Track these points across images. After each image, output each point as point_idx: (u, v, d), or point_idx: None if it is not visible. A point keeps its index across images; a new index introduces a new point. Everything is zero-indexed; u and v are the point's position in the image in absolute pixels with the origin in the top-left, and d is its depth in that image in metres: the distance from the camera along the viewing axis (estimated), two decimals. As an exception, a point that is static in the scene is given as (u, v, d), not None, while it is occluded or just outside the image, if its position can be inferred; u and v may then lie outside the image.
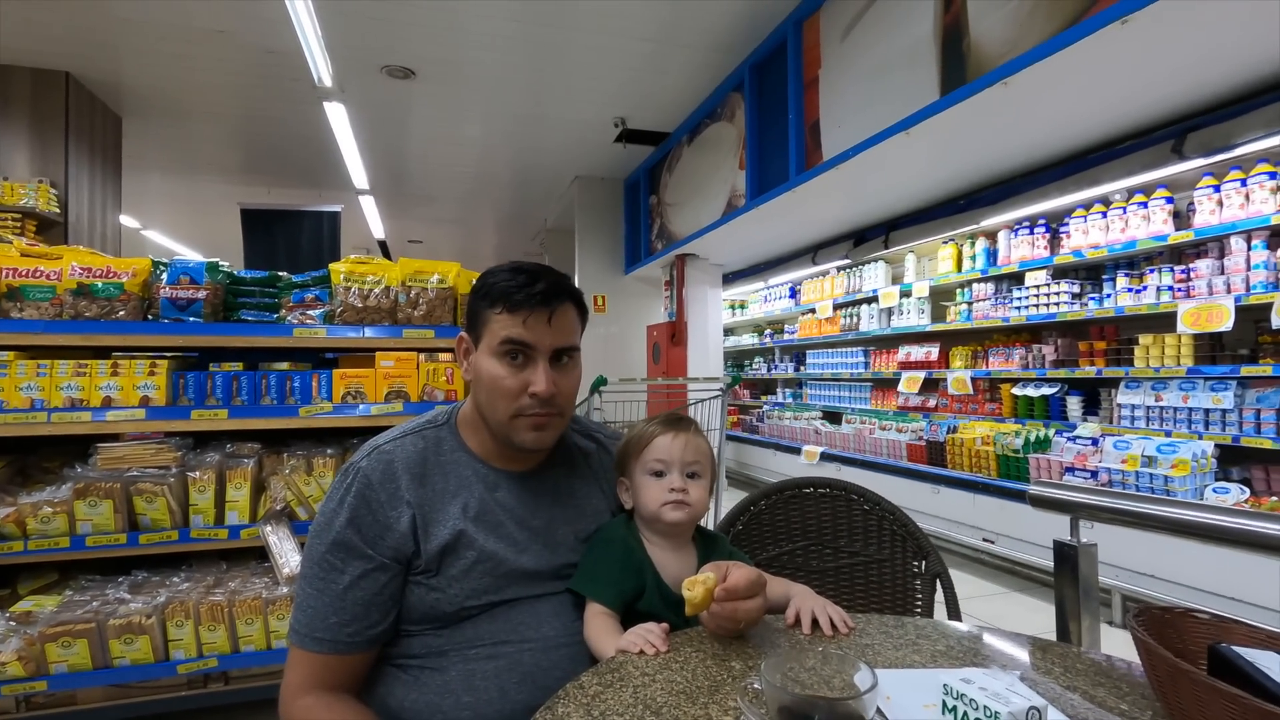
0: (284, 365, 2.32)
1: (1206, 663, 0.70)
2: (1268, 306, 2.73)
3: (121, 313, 2.11)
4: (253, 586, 2.11)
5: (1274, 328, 2.75)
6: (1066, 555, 1.16)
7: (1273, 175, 2.84)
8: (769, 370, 7.04)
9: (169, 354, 2.28)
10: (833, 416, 5.78)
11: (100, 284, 2.11)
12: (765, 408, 6.69)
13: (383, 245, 9.87)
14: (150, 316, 2.19)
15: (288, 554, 2.08)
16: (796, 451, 5.46)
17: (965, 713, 0.46)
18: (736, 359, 8.00)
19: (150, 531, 2.05)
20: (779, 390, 6.97)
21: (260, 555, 2.23)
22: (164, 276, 2.20)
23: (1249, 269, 2.90)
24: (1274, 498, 2.87)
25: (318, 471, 2.24)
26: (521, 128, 5.61)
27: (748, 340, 7.62)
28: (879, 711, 0.68)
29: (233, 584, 2.11)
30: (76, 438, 2.09)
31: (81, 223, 4.54)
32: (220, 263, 2.29)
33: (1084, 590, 1.14)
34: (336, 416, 2.23)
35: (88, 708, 1.94)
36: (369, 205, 7.83)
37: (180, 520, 2.10)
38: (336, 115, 5.09)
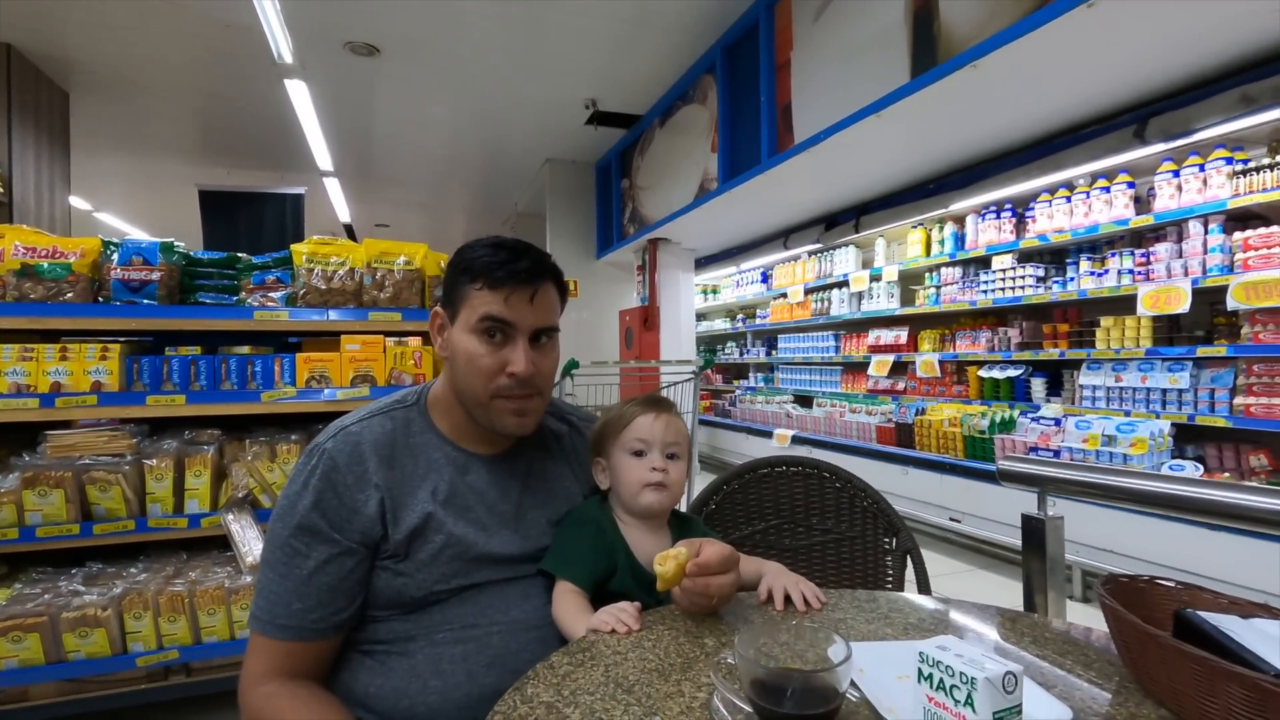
0: (245, 349, 2.26)
1: (1172, 628, 0.71)
2: (1223, 289, 2.81)
3: (70, 295, 2.02)
4: (215, 576, 2.06)
5: (1228, 310, 2.83)
6: (1034, 528, 1.18)
7: (1229, 160, 2.91)
8: (741, 355, 7.07)
9: (122, 338, 2.19)
10: (804, 400, 5.83)
11: (46, 264, 2.01)
12: (738, 392, 6.73)
13: (349, 229, 9.65)
14: (101, 299, 2.10)
15: (251, 542, 2.02)
16: (768, 435, 5.50)
17: (941, 679, 0.45)
18: (709, 343, 8.02)
19: (105, 521, 1.98)
20: (751, 374, 7.01)
21: (222, 544, 2.17)
22: (115, 257, 2.11)
23: (1205, 252, 2.97)
24: (1226, 474, 2.97)
25: (281, 458, 2.18)
26: (491, 109, 5.50)
27: (720, 325, 7.65)
28: (853, 683, 0.67)
29: (193, 574, 2.05)
30: (24, 425, 2.00)
31: (28, 203, 4.34)
32: (175, 243, 2.20)
33: (1051, 563, 1.16)
34: (301, 401, 2.18)
35: (41, 703, 1.87)
36: (334, 188, 7.64)
37: (137, 509, 2.03)
38: (298, 94, 4.93)
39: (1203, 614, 0.69)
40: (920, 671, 0.47)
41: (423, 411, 1.05)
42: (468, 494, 1.00)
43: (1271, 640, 0.64)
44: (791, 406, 5.71)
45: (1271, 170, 2.75)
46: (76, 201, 7.50)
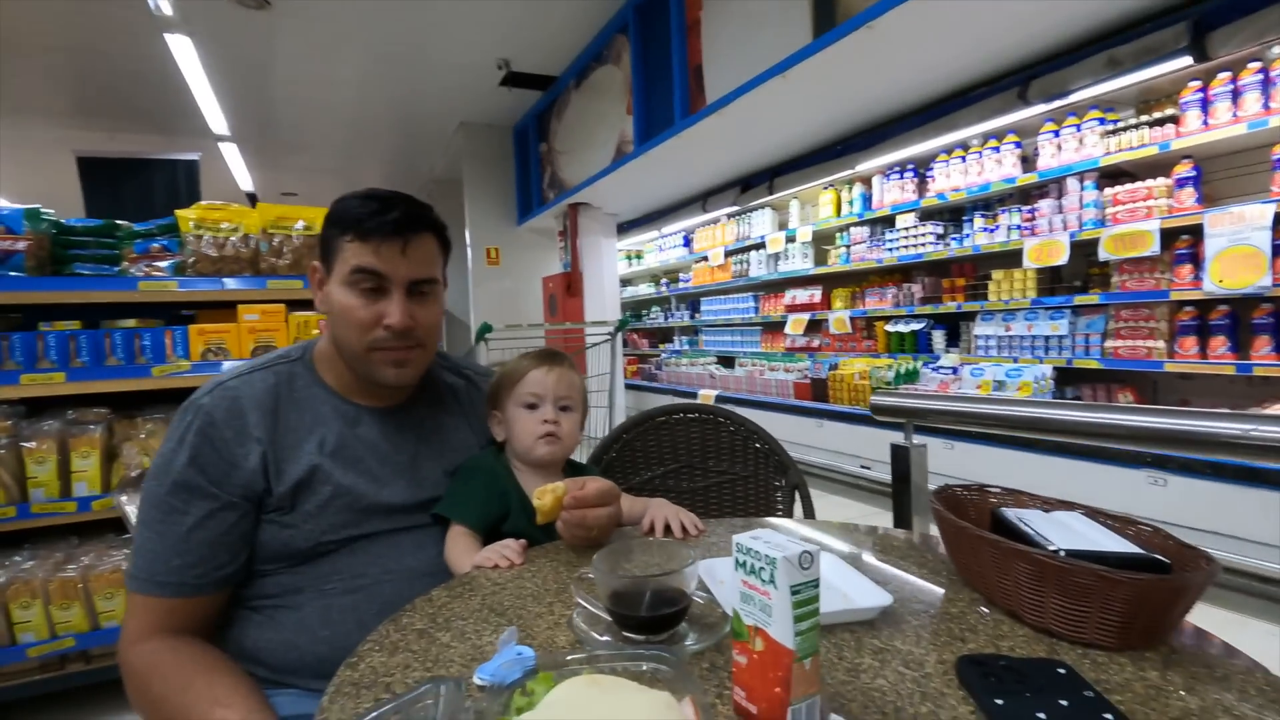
0: (131, 322, 2.13)
1: (990, 524, 0.80)
2: (1096, 241, 3.05)
3: (-81, 267, 1.85)
4: (110, 559, 1.97)
5: (1100, 260, 3.08)
6: (900, 455, 1.28)
7: (1102, 121, 3.13)
8: (666, 319, 7.16)
9: (-13, 313, 2.04)
10: (726, 361, 5.99)
11: (-112, 235, 1.84)
12: (663, 355, 6.83)
13: (252, 198, 9.10)
14: (-42, 271, 1.94)
15: (148, 521, 1.95)
16: (693, 396, 5.63)
17: (751, 563, 0.51)
18: (635, 309, 8.07)
19: (-20, 509, 1.86)
20: (675, 338, 7.11)
21: (117, 527, 2.08)
22: (-29, 226, 1.95)
23: (1081, 207, 3.20)
24: (1098, 411, 3.25)
25: (177, 433, 2.09)
26: (397, 70, 5.27)
27: (645, 290, 7.70)
28: (703, 586, 0.73)
29: (86, 559, 1.96)
30: (-124, 410, 1.85)
31: None
32: (42, 209, 2.04)
33: (915, 487, 1.27)
34: (196, 375, 2.09)
35: (-80, 701, 1.77)
36: (232, 154, 7.17)
37: (17, 495, 1.91)
38: (182, 49, 4.58)
39: (1012, 510, 0.78)
40: (737, 560, 0.53)
41: (309, 366, 1.04)
42: (358, 445, 1.00)
43: (1061, 527, 0.73)
44: (715, 368, 5.85)
45: (1138, 129, 2.97)
46: (-67, 171, 6.78)
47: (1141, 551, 0.67)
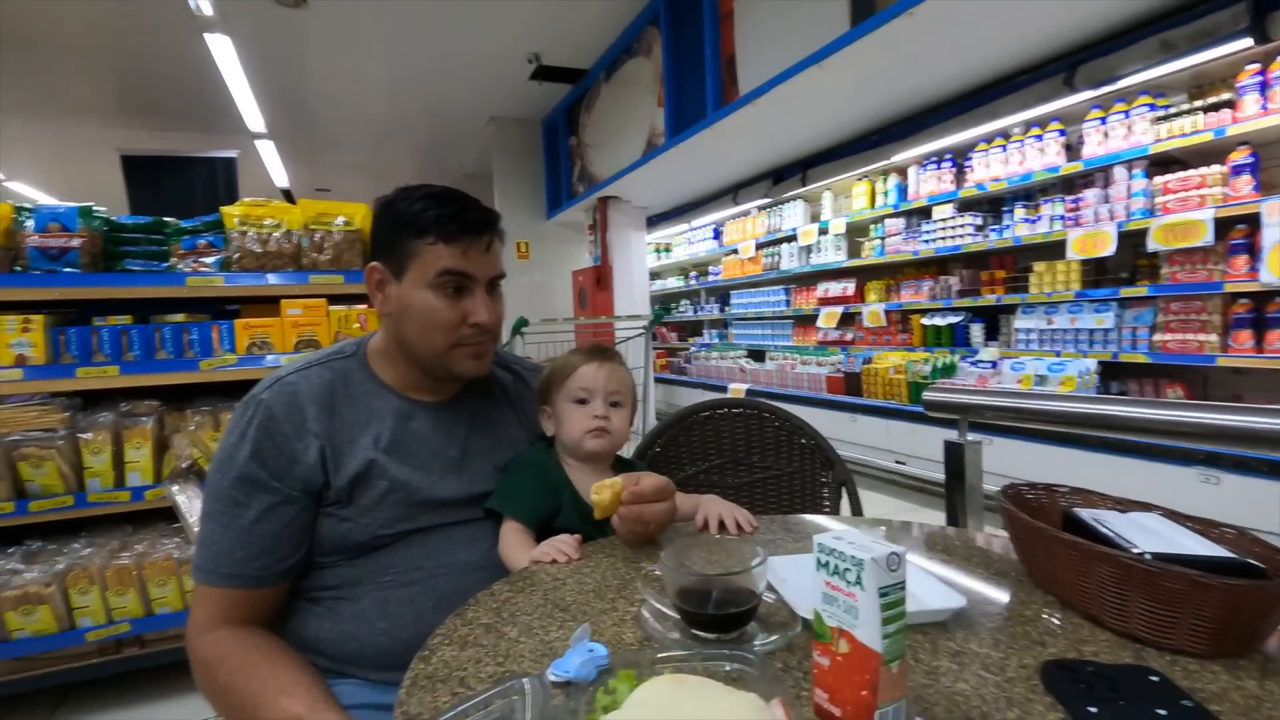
0: (179, 317, 2.18)
1: (1061, 526, 0.78)
2: (1145, 232, 2.95)
3: (-19, 264, 1.92)
4: (163, 547, 2.03)
5: (1149, 251, 2.98)
6: (955, 452, 1.25)
7: (1152, 107, 3.02)
8: (695, 312, 7.13)
9: (44, 309, 2.10)
10: (757, 354, 5.94)
11: (-47, 234, 1.90)
12: (692, 349, 6.80)
13: (287, 194, 9.26)
14: (18, 268, 2.00)
15: (199, 512, 1.99)
16: (724, 390, 5.60)
17: (835, 564, 0.50)
18: (664, 302, 8.05)
19: (41, 498, 1.92)
20: (705, 331, 7.08)
21: (169, 516, 2.13)
22: (29, 224, 2.00)
23: (1129, 197, 3.11)
24: (1145, 406, 3.16)
25: (225, 426, 2.14)
26: (430, 66, 5.30)
27: (674, 283, 7.67)
28: (771, 587, 0.72)
29: (140, 546, 2.02)
30: (-57, 402, 1.92)
31: (-73, 172, 4.04)
32: (95, 207, 2.10)
33: (970, 485, 1.24)
34: (242, 369, 2.13)
35: (-12, 682, 1.84)
36: (268, 151, 7.30)
37: (75, 485, 1.97)
38: (222, 49, 4.67)
39: (1086, 510, 0.76)
40: (819, 560, 0.51)
41: (362, 362, 1.06)
42: (411, 440, 1.01)
43: (1142, 528, 0.71)
44: (745, 361, 5.81)
45: (1190, 115, 2.87)
46: (-16, 170, 7.03)
47: (1234, 555, 0.64)
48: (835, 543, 0.51)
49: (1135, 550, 0.64)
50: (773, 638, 0.65)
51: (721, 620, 0.64)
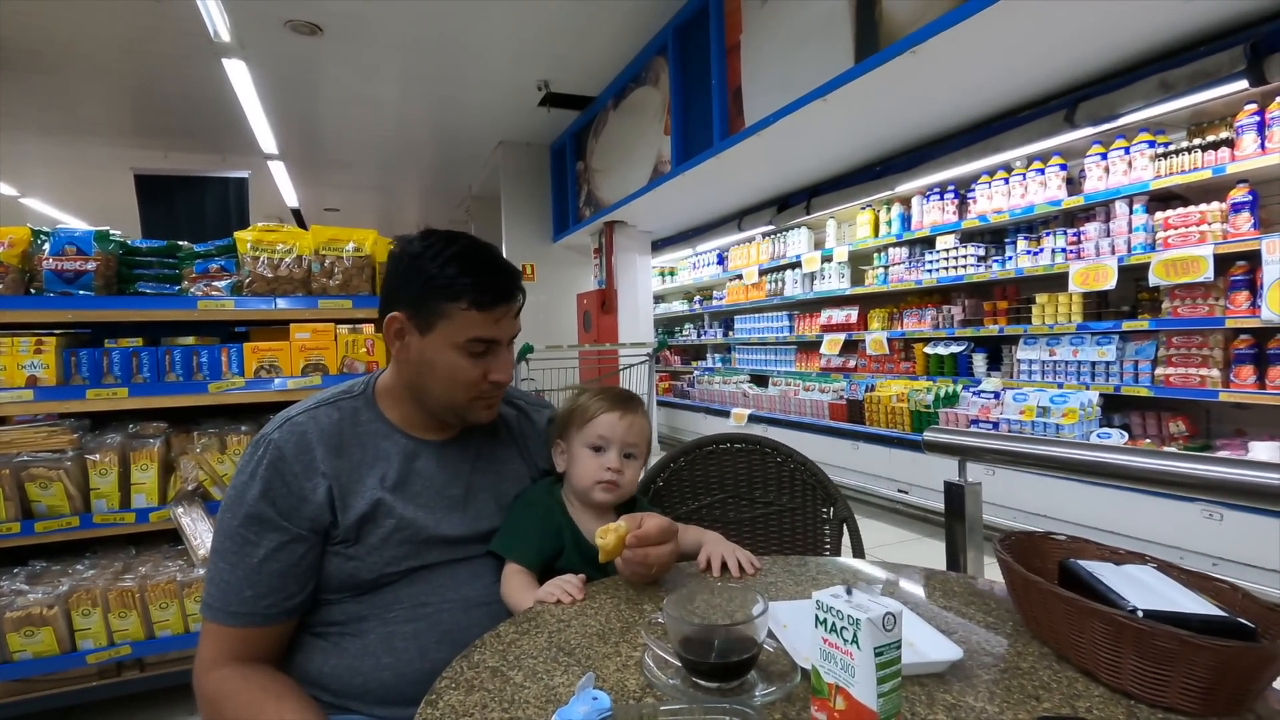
0: (189, 340, 2.22)
1: (1058, 576, 0.79)
2: (1146, 266, 2.98)
3: (-1, 286, 1.95)
4: (166, 570, 2.04)
5: (1150, 285, 3.00)
6: (955, 493, 1.26)
7: (1151, 144, 3.06)
8: (699, 336, 7.15)
9: (57, 330, 2.13)
10: (760, 379, 5.95)
11: (-29, 256, 1.94)
12: (695, 373, 6.82)
13: (297, 214, 9.37)
14: (33, 290, 2.03)
15: (202, 535, 2.01)
16: (726, 414, 5.61)
17: (833, 622, 0.51)
18: (667, 326, 8.09)
19: (47, 519, 1.93)
20: (709, 355, 7.10)
21: (173, 538, 2.15)
22: (46, 247, 2.05)
23: (1130, 231, 3.14)
24: (1148, 440, 3.17)
25: (232, 449, 2.16)
26: (441, 90, 5.40)
27: (678, 307, 7.71)
28: (772, 634, 0.73)
29: (143, 569, 2.03)
30: (-45, 423, 1.94)
31: (-55, 189, 4.12)
32: (111, 231, 2.14)
33: (970, 525, 1.25)
34: (250, 392, 2.16)
35: (-12, 704, 1.84)
36: (279, 171, 7.41)
37: (81, 506, 1.99)
38: (238, 74, 4.76)
39: (1082, 562, 0.77)
40: (817, 617, 0.53)
41: (369, 402, 1.07)
42: (417, 479, 1.03)
43: (1136, 583, 0.72)
44: (748, 386, 5.82)
45: (1189, 153, 2.91)
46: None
47: (1225, 614, 0.66)
48: (833, 600, 0.52)
49: (1128, 607, 0.65)
50: (772, 689, 0.66)
51: (722, 669, 0.65)
